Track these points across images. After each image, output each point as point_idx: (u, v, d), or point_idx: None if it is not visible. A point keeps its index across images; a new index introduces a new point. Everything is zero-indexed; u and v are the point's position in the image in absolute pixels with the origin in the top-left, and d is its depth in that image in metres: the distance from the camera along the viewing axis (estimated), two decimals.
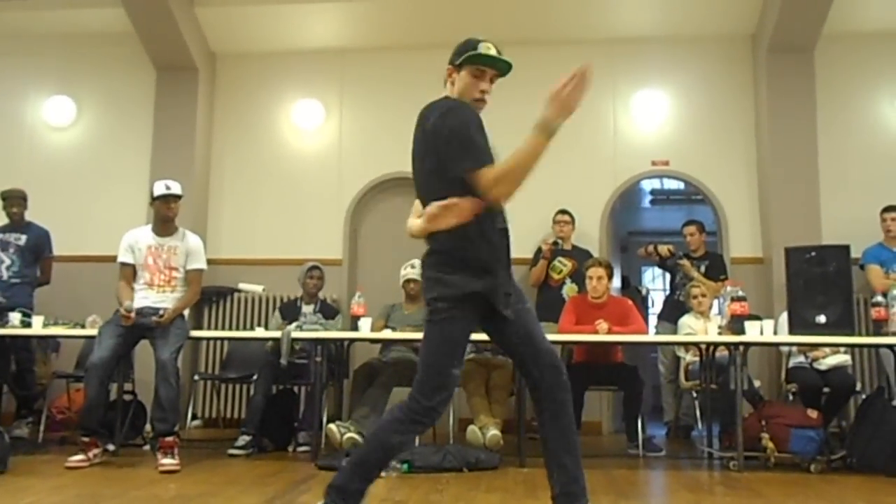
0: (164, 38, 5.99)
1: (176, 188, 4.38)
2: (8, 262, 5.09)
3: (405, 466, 3.88)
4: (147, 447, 4.57)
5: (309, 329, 4.87)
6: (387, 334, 4.72)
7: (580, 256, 5.60)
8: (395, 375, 4.77)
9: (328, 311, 5.22)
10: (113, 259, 4.42)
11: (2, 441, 3.77)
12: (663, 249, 5.81)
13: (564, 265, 5.65)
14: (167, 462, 3.91)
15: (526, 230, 5.93)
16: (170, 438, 3.99)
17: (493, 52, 2.35)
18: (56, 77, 6.51)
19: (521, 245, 5.83)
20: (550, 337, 4.78)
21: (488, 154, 2.26)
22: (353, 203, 6.27)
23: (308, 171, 6.35)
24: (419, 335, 4.77)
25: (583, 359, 5.03)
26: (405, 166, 6.60)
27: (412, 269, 5.12)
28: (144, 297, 4.30)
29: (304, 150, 6.41)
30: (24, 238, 5.15)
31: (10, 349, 4.88)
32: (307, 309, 5.19)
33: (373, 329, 4.65)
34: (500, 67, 2.39)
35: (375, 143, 6.30)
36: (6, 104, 6.54)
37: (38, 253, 5.21)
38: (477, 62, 2.34)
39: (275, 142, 6.43)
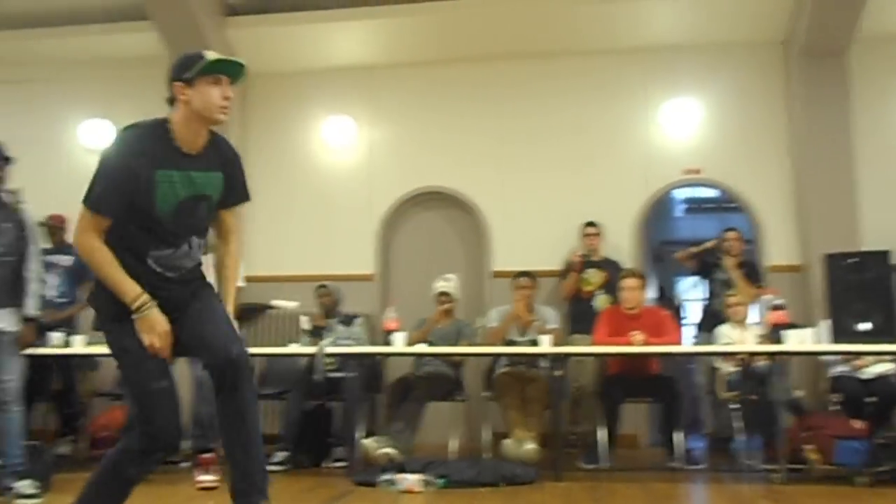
0: None
1: None
2: (55, 282, 5.18)
3: (442, 481, 3.86)
4: (184, 464, 4.61)
5: (343, 344, 4.89)
6: (422, 349, 4.71)
7: (611, 268, 5.56)
8: (430, 390, 4.76)
9: (348, 320, 5.25)
10: None
11: (44, 459, 3.84)
12: (706, 244, 5.74)
13: (595, 277, 5.60)
14: (205, 478, 3.94)
15: (555, 242, 5.92)
16: (208, 455, 4.03)
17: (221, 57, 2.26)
18: (93, 101, 6.64)
19: (551, 258, 5.84)
20: (585, 349, 4.79)
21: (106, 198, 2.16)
22: (384, 218, 6.30)
23: (339, 188, 6.40)
24: (454, 349, 4.80)
25: (618, 371, 4.97)
26: (436, 181, 6.68)
27: (445, 283, 5.12)
28: None
29: (335, 166, 6.46)
30: (68, 259, 5.24)
31: (51, 368, 4.97)
32: (329, 323, 5.21)
33: (411, 343, 4.64)
34: (237, 72, 2.27)
35: (406, 158, 6.34)
36: (45, 128, 6.68)
37: (82, 273, 5.30)
38: (213, 70, 2.22)
39: (306, 159, 6.50)
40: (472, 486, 3.85)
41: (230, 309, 2.37)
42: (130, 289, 2.14)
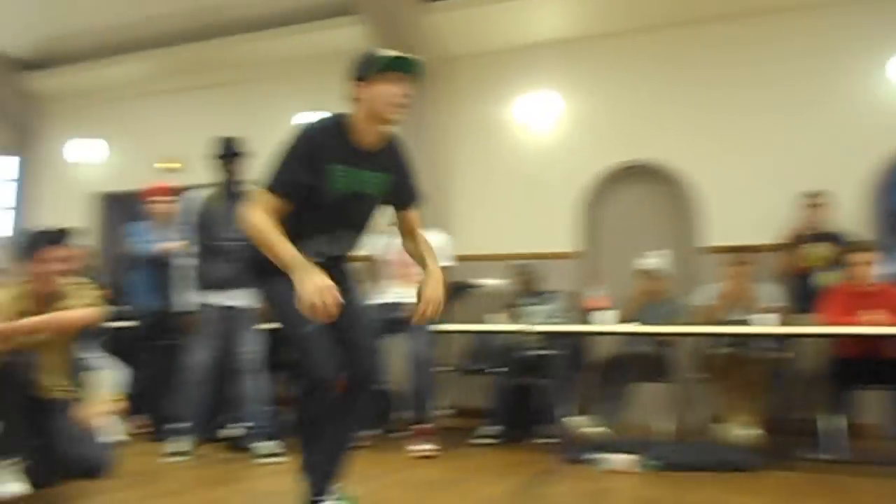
0: (402, 47, 6.29)
1: None
2: None
3: (656, 463, 3.77)
4: (401, 433, 4.88)
5: (549, 322, 4.90)
6: (630, 328, 4.59)
7: (837, 241, 5.06)
8: (639, 370, 4.65)
9: (544, 298, 5.23)
10: (361, 258, 4.76)
11: (283, 423, 4.22)
12: None
13: (819, 251, 5.13)
14: (423, 448, 4.15)
15: (773, 214, 5.47)
16: (424, 426, 4.24)
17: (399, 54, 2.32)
18: (306, 96, 7.03)
19: (768, 231, 5.41)
20: (815, 329, 4.41)
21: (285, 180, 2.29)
22: (586, 194, 6.20)
23: (541, 164, 6.37)
24: (664, 329, 4.64)
25: (850, 354, 4.52)
26: (641, 153, 6.42)
27: (650, 260, 4.96)
28: (392, 292, 4.59)
29: (537, 142, 6.44)
30: None
31: (281, 342, 5.45)
32: (528, 301, 5.23)
33: (618, 321, 4.55)
34: (417, 69, 2.34)
35: (609, 131, 6.17)
36: (263, 125, 7.20)
37: None
38: (389, 68, 2.29)
39: (507, 136, 6.53)
40: (689, 470, 3.72)
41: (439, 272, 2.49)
42: (288, 261, 2.21)
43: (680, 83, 5.99)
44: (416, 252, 2.60)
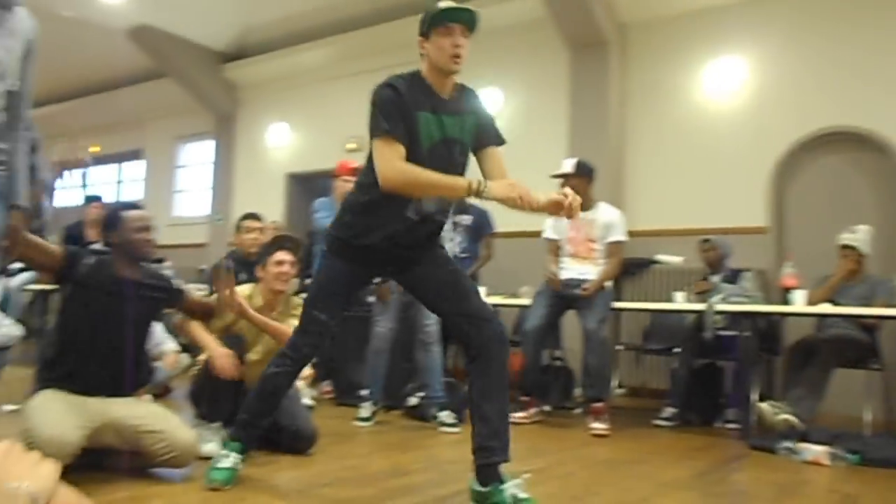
0: (577, 17, 6.20)
1: (566, 167, 4.50)
2: (458, 239, 5.78)
3: (854, 457, 3.47)
4: (577, 410, 4.85)
5: (733, 301, 4.63)
6: (826, 309, 4.23)
7: None
8: (835, 354, 4.28)
9: (733, 277, 4.89)
10: (538, 234, 4.76)
11: (458, 394, 4.35)
12: None
13: None
14: (597, 426, 4.10)
15: None
16: (599, 404, 4.18)
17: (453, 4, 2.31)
18: (486, 70, 7.07)
19: None
20: None
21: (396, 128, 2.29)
22: (778, 164, 5.74)
23: (726, 133, 5.98)
24: (867, 310, 4.25)
25: None
26: (840, 119, 5.89)
27: (850, 235, 4.52)
28: (569, 269, 4.54)
29: (721, 111, 6.05)
30: (469, 218, 5.79)
31: None
32: (715, 279, 4.94)
33: (812, 301, 4.21)
34: (465, 18, 2.34)
35: (802, 95, 5.66)
36: None
37: (480, 231, 5.82)
38: (442, 20, 2.32)
39: (689, 105, 6.19)
40: (891, 467, 3.39)
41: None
42: (460, 181, 2.25)
43: (885, 38, 5.36)
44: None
